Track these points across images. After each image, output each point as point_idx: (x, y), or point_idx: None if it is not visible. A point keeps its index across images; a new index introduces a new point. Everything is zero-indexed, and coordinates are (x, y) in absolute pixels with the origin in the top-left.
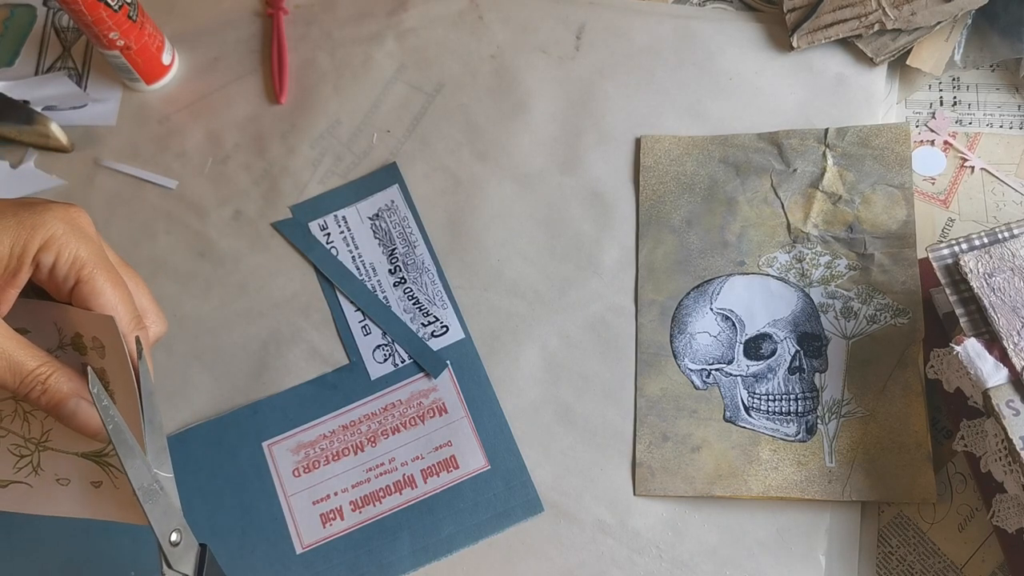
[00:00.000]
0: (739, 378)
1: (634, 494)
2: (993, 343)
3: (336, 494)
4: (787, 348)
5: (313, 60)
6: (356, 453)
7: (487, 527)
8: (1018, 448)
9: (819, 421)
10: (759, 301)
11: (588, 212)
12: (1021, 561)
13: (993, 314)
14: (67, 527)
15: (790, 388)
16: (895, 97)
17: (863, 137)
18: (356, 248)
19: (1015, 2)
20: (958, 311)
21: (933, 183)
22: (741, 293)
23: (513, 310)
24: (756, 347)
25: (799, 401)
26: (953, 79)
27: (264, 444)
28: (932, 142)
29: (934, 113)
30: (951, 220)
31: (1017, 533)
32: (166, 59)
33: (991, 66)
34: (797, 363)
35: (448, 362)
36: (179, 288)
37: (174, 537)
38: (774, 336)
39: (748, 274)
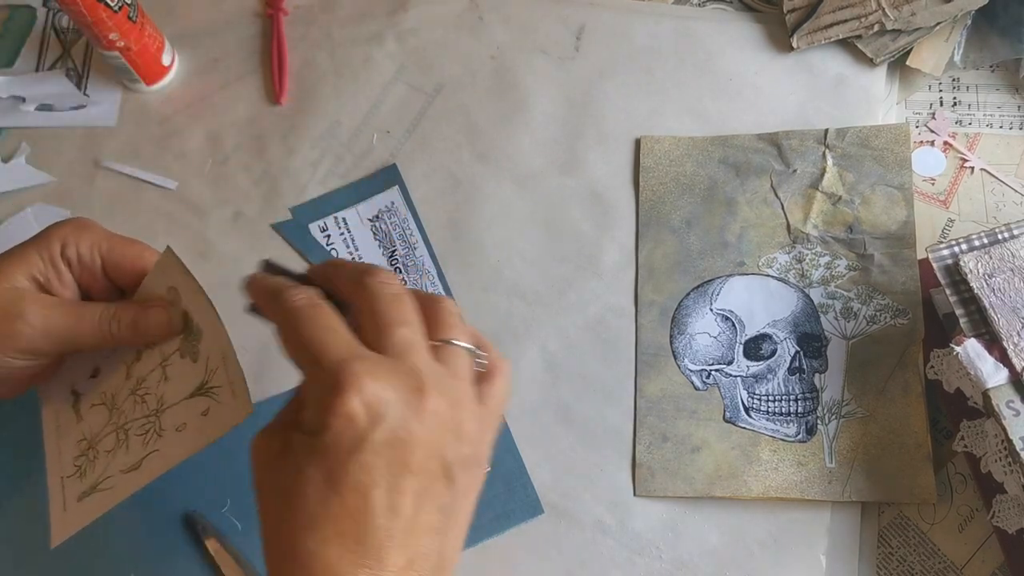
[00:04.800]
0: (739, 379)
1: (634, 495)
2: (993, 344)
3: None
4: (787, 349)
5: (313, 61)
6: None
7: (487, 529)
8: (1018, 448)
9: (819, 421)
10: (759, 302)
11: (588, 213)
12: (1021, 562)
13: (993, 315)
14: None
15: (790, 389)
16: (895, 98)
17: (863, 138)
18: (356, 250)
19: (1015, 2)
20: (958, 312)
21: (933, 183)
22: (741, 294)
23: (513, 311)
24: (756, 348)
25: (799, 402)
26: (953, 80)
27: None
28: (932, 142)
29: (934, 114)
30: (951, 220)
31: (1017, 534)
32: (166, 60)
33: (991, 66)
34: (797, 364)
35: None
36: None
37: None
38: (774, 337)
39: (748, 275)
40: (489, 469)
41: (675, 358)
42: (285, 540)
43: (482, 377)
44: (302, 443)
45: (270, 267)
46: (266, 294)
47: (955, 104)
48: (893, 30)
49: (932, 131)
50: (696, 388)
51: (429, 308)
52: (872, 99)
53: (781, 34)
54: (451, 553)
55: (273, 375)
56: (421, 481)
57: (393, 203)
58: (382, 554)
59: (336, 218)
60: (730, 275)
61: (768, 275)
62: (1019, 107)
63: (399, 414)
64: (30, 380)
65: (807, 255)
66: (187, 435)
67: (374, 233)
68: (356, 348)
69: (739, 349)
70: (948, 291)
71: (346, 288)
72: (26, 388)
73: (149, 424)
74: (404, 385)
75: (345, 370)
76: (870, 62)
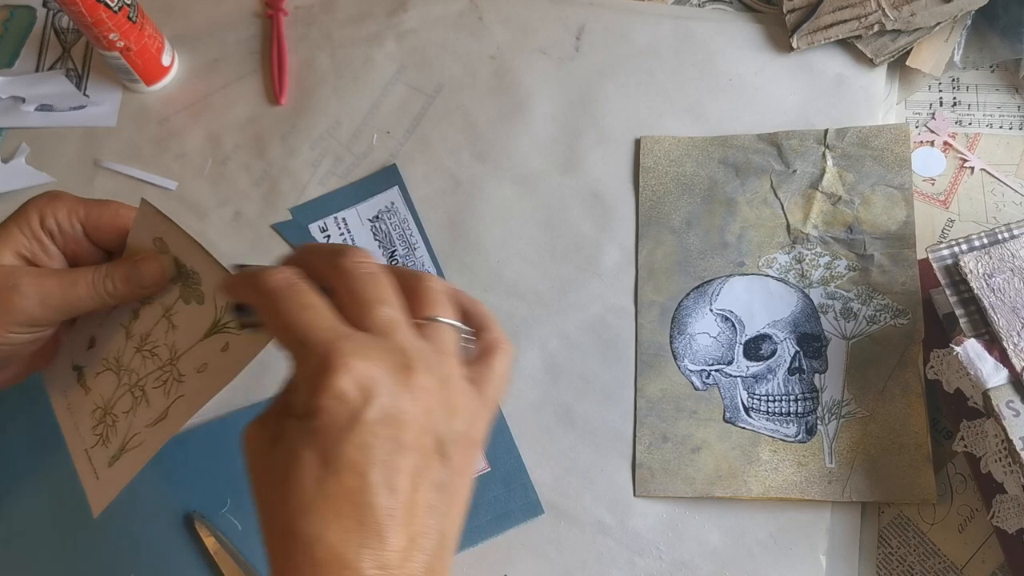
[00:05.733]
0: (739, 379)
1: (634, 495)
2: (993, 344)
3: None
4: (787, 349)
5: (313, 61)
6: None
7: (487, 529)
8: (1018, 449)
9: (819, 422)
10: (759, 302)
11: (588, 213)
12: (1021, 562)
13: (993, 315)
14: (66, 528)
15: (790, 389)
16: (895, 98)
17: (863, 138)
18: None
19: (1015, 3)
20: (958, 312)
21: (933, 184)
22: (741, 294)
23: (513, 311)
24: (756, 348)
25: (799, 402)
26: (953, 80)
27: None
28: (932, 143)
29: (934, 114)
30: (951, 221)
31: (1017, 534)
32: (166, 60)
33: (991, 67)
34: (797, 364)
35: None
36: None
37: None
38: (774, 337)
39: (748, 275)
40: (488, 469)
41: (675, 358)
42: (284, 526)
43: (478, 357)
44: (295, 428)
45: (243, 268)
46: (244, 283)
47: (955, 104)
48: (893, 30)
49: (932, 131)
50: (696, 388)
51: (411, 285)
52: (872, 99)
53: (781, 34)
54: (452, 532)
55: (273, 375)
56: (416, 459)
57: (393, 203)
58: (384, 533)
59: (336, 218)
60: (730, 275)
61: (768, 275)
62: (1019, 107)
63: (389, 392)
64: (32, 361)
65: (807, 255)
66: (210, 374)
67: (374, 233)
68: (341, 327)
69: (739, 349)
70: (948, 291)
71: (322, 270)
72: (28, 373)
73: (165, 374)
74: (391, 363)
75: (333, 350)
76: (870, 62)
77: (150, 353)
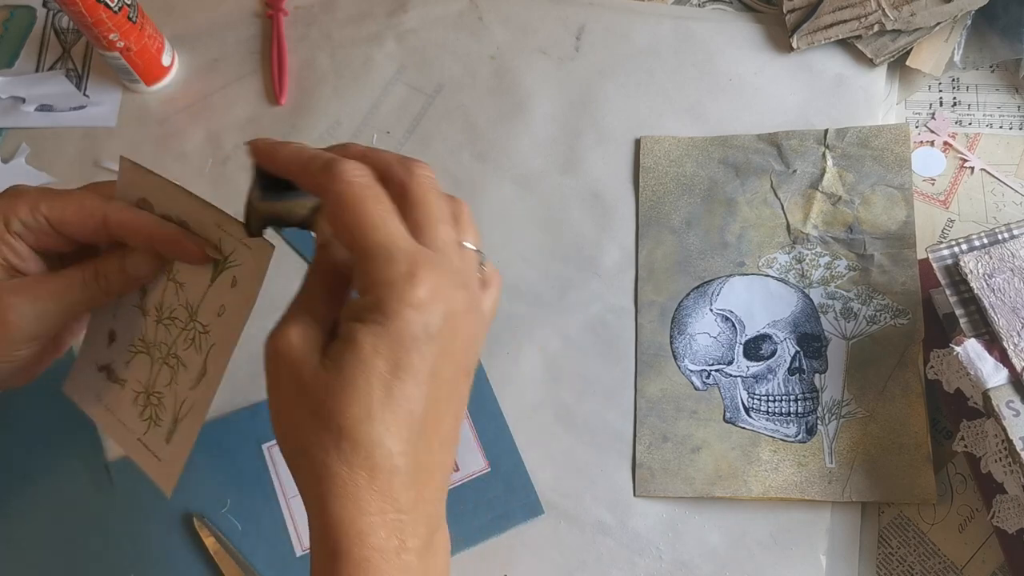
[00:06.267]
0: (739, 379)
1: (634, 495)
2: (993, 344)
3: None
4: (787, 349)
5: (313, 61)
6: None
7: (487, 529)
8: (1018, 449)
9: (819, 422)
10: (759, 302)
11: (588, 213)
12: (1021, 562)
13: (993, 315)
14: (67, 528)
15: (790, 389)
16: (895, 98)
17: (863, 138)
18: None
19: (1015, 3)
20: (958, 312)
21: (933, 184)
22: (741, 294)
23: (513, 311)
24: (756, 348)
25: (799, 402)
26: (953, 80)
27: (264, 446)
28: (932, 143)
29: (934, 114)
30: (951, 221)
31: (1017, 534)
32: (166, 60)
33: (991, 67)
34: (797, 364)
35: None
36: None
37: None
38: (774, 337)
39: (748, 275)
40: (488, 469)
41: (675, 358)
42: (342, 431)
43: (481, 283)
44: (364, 332)
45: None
46: (308, 165)
47: (955, 104)
48: (893, 30)
49: (932, 131)
50: (696, 388)
51: (453, 210)
52: (872, 99)
53: (781, 34)
54: (454, 450)
55: None
56: (457, 373)
57: None
58: (428, 438)
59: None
60: (730, 275)
61: (768, 275)
62: (1019, 107)
63: (453, 308)
64: (38, 362)
65: (807, 255)
66: (230, 313)
67: None
68: (408, 239)
69: (739, 349)
70: (948, 291)
71: (394, 174)
72: (37, 373)
73: (191, 332)
74: (456, 282)
75: (418, 260)
76: (870, 62)
77: (170, 320)
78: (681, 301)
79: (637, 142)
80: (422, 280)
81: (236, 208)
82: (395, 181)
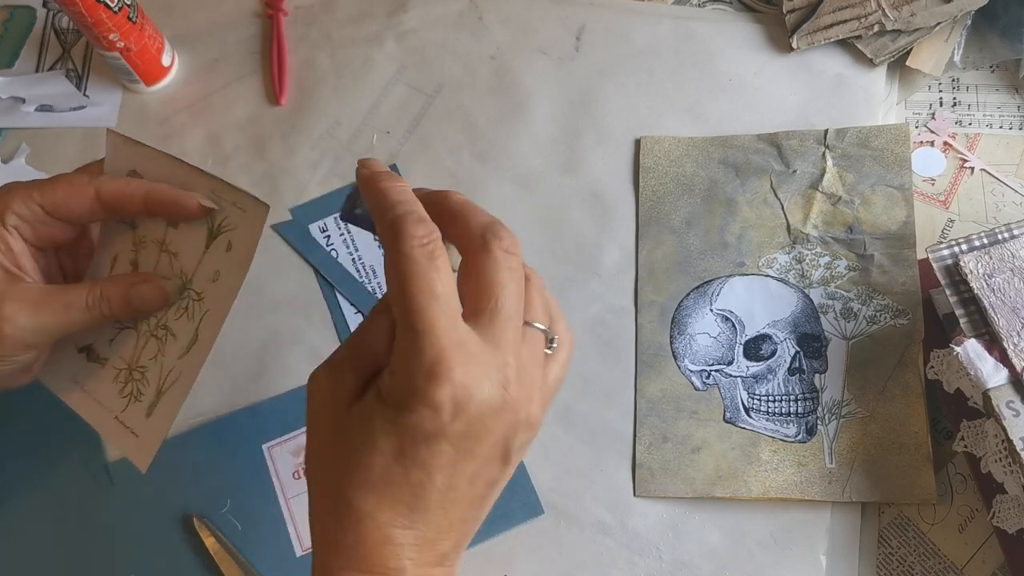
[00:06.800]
0: (739, 379)
1: (634, 495)
2: (993, 344)
3: None
4: (787, 349)
5: (313, 61)
6: None
7: (487, 529)
8: (1018, 449)
9: (819, 422)
10: (759, 302)
11: (588, 213)
12: (1021, 562)
13: (993, 315)
14: (67, 528)
15: (790, 389)
16: (895, 98)
17: (863, 138)
18: (356, 250)
19: (1015, 3)
20: (958, 312)
21: (933, 184)
22: (741, 294)
23: None
24: (756, 348)
25: (799, 402)
26: (953, 80)
27: (264, 446)
28: (932, 143)
29: (934, 114)
30: (951, 221)
31: (1017, 534)
32: (166, 60)
33: (991, 67)
34: (797, 364)
35: None
36: None
37: None
38: (774, 337)
39: (748, 275)
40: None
41: (675, 358)
42: (339, 493)
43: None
44: (381, 414)
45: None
46: (382, 217)
47: (955, 104)
48: (893, 30)
49: (932, 131)
50: (696, 388)
51: (521, 288)
52: (872, 99)
53: (781, 34)
54: (485, 512)
55: (273, 375)
56: (481, 464)
57: None
58: (430, 518)
59: (336, 219)
60: (730, 275)
61: (768, 275)
62: (1019, 107)
63: (481, 410)
64: (37, 362)
65: (807, 255)
66: (226, 277)
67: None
68: (458, 329)
69: (739, 349)
70: (948, 291)
71: (468, 241)
72: (32, 376)
73: (184, 301)
74: (494, 380)
75: (444, 358)
76: (870, 62)
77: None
78: (681, 301)
79: (637, 142)
80: (445, 382)
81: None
82: (470, 251)
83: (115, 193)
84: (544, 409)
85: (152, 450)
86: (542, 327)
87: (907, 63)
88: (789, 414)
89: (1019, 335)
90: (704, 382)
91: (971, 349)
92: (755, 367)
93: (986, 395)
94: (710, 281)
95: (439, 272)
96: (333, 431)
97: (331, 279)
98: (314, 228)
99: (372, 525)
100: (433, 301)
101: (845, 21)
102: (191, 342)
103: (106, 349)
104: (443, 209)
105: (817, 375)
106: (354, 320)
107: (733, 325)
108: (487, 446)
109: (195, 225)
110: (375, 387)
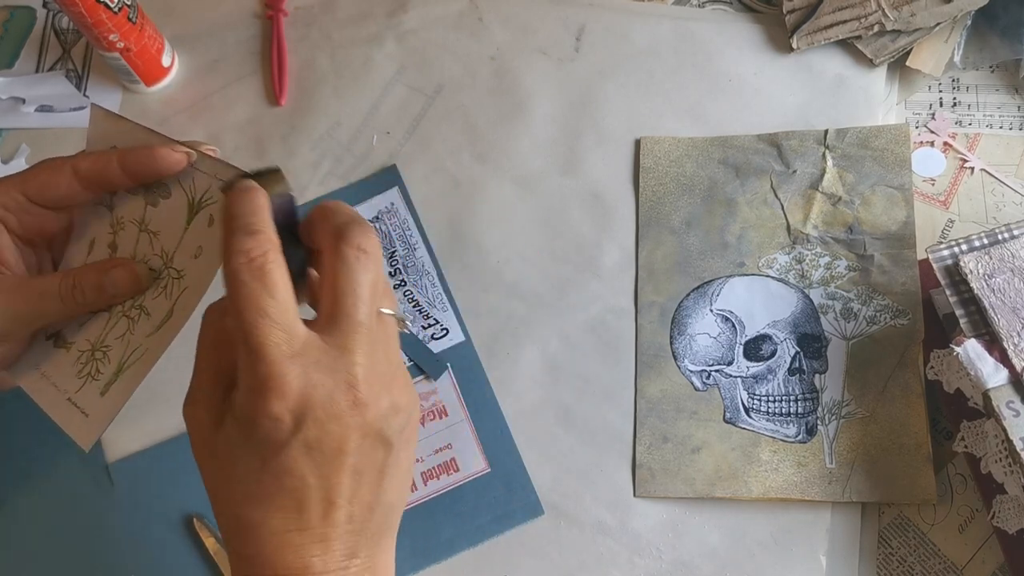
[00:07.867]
0: (739, 379)
1: (634, 495)
2: (993, 344)
3: None
4: (787, 349)
5: (313, 62)
6: None
7: (487, 530)
8: (1018, 449)
9: (819, 422)
10: (759, 302)
11: (588, 213)
12: (1021, 562)
13: (993, 315)
14: (67, 528)
15: (790, 389)
16: (895, 98)
17: (863, 138)
18: None
19: (1015, 3)
20: (958, 312)
21: (933, 184)
22: (741, 294)
23: (513, 312)
24: (756, 348)
25: (799, 402)
26: (953, 80)
27: None
28: (932, 143)
29: (934, 114)
30: (951, 221)
31: (1017, 534)
32: (166, 61)
33: (991, 67)
34: (797, 364)
35: (448, 364)
36: None
37: None
38: (774, 337)
39: (748, 275)
40: (488, 469)
41: (675, 359)
42: (229, 509)
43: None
44: (238, 432)
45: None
46: (227, 225)
47: (955, 105)
48: (893, 31)
49: (932, 132)
50: (696, 389)
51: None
52: (872, 100)
53: (781, 35)
54: (396, 493)
55: None
56: (357, 457)
57: (393, 204)
58: (326, 514)
59: None
60: (730, 276)
61: (768, 276)
62: (1019, 107)
63: (328, 413)
64: (10, 356)
65: (807, 256)
66: (208, 252)
67: None
68: (291, 342)
69: (739, 350)
70: (948, 291)
71: (323, 246)
72: (11, 363)
73: (163, 280)
74: (340, 383)
75: (274, 373)
76: (870, 63)
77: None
78: (681, 301)
79: (637, 142)
80: (277, 396)
81: None
82: (325, 256)
83: (91, 167)
84: (408, 384)
85: (99, 430)
86: (390, 312)
87: (907, 63)
88: (789, 414)
89: (1019, 335)
90: (704, 382)
91: (971, 349)
92: (755, 367)
93: (986, 395)
94: (710, 281)
95: (267, 287)
96: (210, 456)
97: None
98: None
99: (267, 533)
100: (261, 318)
101: (845, 21)
102: (164, 319)
103: (75, 334)
104: (310, 218)
105: (817, 375)
106: None
107: (733, 325)
108: (352, 442)
109: (175, 201)
110: (231, 405)
